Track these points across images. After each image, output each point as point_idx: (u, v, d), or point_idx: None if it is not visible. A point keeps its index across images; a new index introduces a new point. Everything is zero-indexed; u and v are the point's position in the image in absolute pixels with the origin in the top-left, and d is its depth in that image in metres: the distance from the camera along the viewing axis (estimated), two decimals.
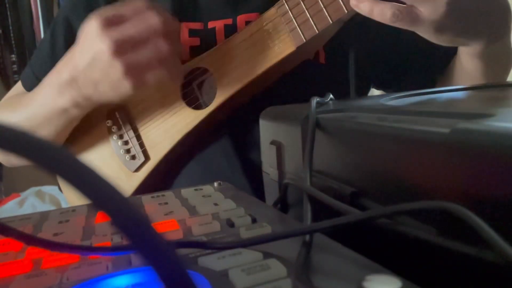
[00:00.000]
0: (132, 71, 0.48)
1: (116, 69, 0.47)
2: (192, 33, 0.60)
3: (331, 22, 0.49)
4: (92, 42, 0.48)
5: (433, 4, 0.41)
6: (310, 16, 0.50)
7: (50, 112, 0.56)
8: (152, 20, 0.47)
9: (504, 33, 0.49)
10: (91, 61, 0.48)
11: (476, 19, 0.44)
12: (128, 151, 0.60)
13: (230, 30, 0.58)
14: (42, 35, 1.98)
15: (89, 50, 0.48)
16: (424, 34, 0.45)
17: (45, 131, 0.58)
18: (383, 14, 0.42)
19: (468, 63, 0.55)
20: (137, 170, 0.60)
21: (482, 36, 0.47)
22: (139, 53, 0.47)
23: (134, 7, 0.48)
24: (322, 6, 0.49)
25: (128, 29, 0.47)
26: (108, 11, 0.48)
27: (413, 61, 0.66)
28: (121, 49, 0.47)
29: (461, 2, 0.41)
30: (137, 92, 0.50)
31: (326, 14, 0.49)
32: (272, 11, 0.53)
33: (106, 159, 0.62)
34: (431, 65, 0.65)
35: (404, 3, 0.42)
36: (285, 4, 0.52)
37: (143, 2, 0.48)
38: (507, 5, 0.47)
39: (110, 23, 0.47)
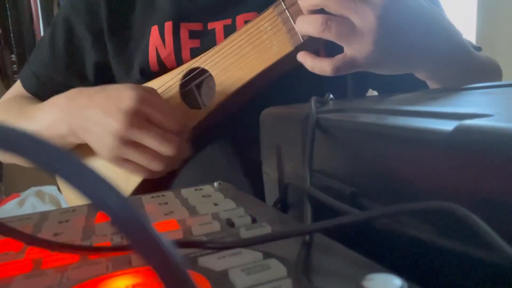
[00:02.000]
0: (118, 156, 0.51)
1: (110, 142, 0.50)
2: (192, 34, 0.60)
3: None
4: (114, 114, 0.49)
5: (359, 45, 0.43)
6: None
7: (50, 133, 0.57)
8: (179, 117, 0.52)
9: (452, 60, 0.51)
10: (101, 120, 0.50)
11: (404, 55, 0.46)
12: None
13: (230, 31, 0.58)
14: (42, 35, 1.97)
15: (106, 114, 0.50)
16: (367, 69, 0.47)
17: None
18: (324, 71, 0.46)
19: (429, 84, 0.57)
20: None
21: (420, 66, 0.50)
22: (138, 155, 0.51)
23: (170, 111, 0.52)
24: None
25: (148, 139, 0.50)
26: (152, 102, 0.51)
27: None
28: (127, 140, 0.50)
29: (385, 41, 0.43)
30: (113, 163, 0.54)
31: None
32: (269, 10, 0.53)
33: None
34: None
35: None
36: (283, 4, 0.52)
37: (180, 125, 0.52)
38: (449, 31, 0.49)
39: (139, 117, 0.49)
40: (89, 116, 0.52)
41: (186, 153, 0.54)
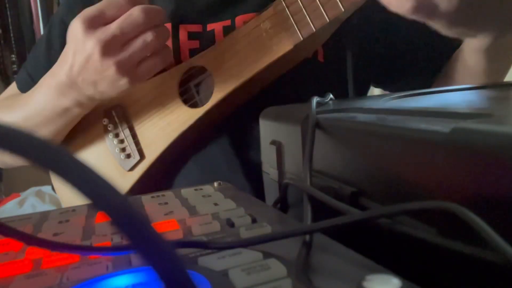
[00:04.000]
0: (125, 68, 0.49)
1: (109, 68, 0.48)
2: (191, 35, 0.60)
3: (328, 20, 0.49)
4: (81, 45, 0.48)
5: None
6: (307, 14, 0.50)
7: (51, 111, 0.56)
8: (135, 14, 0.48)
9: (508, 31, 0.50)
10: (84, 64, 0.49)
11: (488, 11, 0.44)
12: (123, 149, 0.60)
13: (229, 32, 0.58)
14: None
15: (80, 53, 0.49)
16: (436, 26, 0.44)
17: (45, 131, 0.58)
18: (401, 6, 0.42)
19: (471, 58, 0.55)
20: (131, 169, 0.60)
21: (491, 28, 0.47)
22: (128, 49, 0.48)
23: (114, 3, 0.49)
24: (319, 4, 0.49)
25: (113, 28, 0.48)
26: (90, 11, 0.49)
27: (412, 59, 0.67)
28: (109, 48, 0.48)
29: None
30: (137, 85, 0.51)
31: (323, 12, 0.49)
32: (269, 9, 0.53)
33: (101, 157, 0.62)
34: (429, 63, 0.66)
35: None
36: (282, 2, 0.52)
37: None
38: None
39: (94, 24, 0.48)
40: (80, 74, 0.50)
41: (166, 34, 0.52)
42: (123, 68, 0.48)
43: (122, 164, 0.60)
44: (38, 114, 0.57)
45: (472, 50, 0.54)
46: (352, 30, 0.61)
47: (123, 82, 0.50)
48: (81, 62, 0.49)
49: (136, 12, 0.48)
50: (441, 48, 0.55)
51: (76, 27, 0.48)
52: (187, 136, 0.58)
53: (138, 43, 0.48)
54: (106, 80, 0.50)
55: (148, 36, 0.48)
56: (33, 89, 0.59)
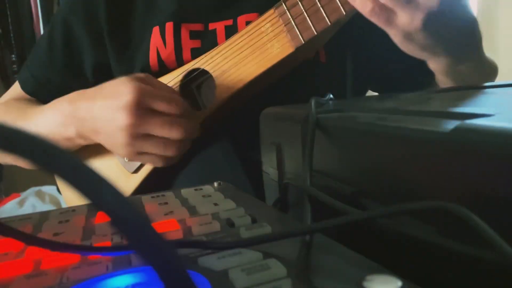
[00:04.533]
0: (133, 151, 0.52)
1: (122, 140, 0.51)
2: (193, 35, 0.60)
3: (329, 23, 0.49)
4: (119, 110, 0.49)
5: (410, 16, 0.43)
6: (309, 17, 0.50)
7: (55, 136, 0.57)
8: (178, 129, 0.51)
9: (470, 57, 0.52)
10: (105, 118, 0.51)
11: (443, 40, 0.46)
12: None
13: (231, 31, 0.58)
14: None
15: (110, 109, 0.50)
16: (393, 38, 0.46)
17: None
18: (364, 5, 0.44)
19: (437, 76, 0.56)
20: (136, 171, 0.60)
21: (446, 56, 0.49)
22: (151, 146, 0.51)
23: (170, 99, 0.51)
24: (320, 7, 0.49)
25: (156, 129, 0.50)
26: (150, 90, 0.50)
27: (411, 63, 0.66)
28: (137, 133, 0.50)
29: (434, 23, 0.43)
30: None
31: (324, 15, 0.49)
32: (270, 12, 0.53)
33: (105, 160, 0.62)
34: (426, 68, 0.66)
35: None
36: (284, 5, 0.52)
37: (182, 106, 0.52)
38: (477, 32, 0.49)
39: (142, 106, 0.49)
40: (95, 118, 0.52)
41: (195, 133, 0.54)
42: (131, 149, 0.51)
43: (126, 166, 0.60)
44: (42, 134, 0.58)
45: (434, 70, 0.55)
46: (355, 30, 0.61)
47: (120, 152, 0.53)
48: (104, 115, 0.51)
49: (179, 127, 0.51)
50: None
51: (130, 92, 0.49)
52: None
53: (163, 140, 0.51)
54: (109, 139, 0.52)
55: (171, 148, 0.52)
56: (45, 106, 0.61)
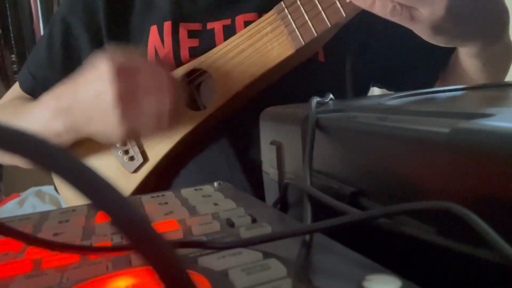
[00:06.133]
0: (128, 123, 0.48)
1: (113, 117, 0.48)
2: (191, 34, 0.60)
3: (329, 25, 0.50)
4: (101, 82, 0.48)
5: (432, 7, 0.41)
6: (309, 19, 0.51)
7: (45, 132, 0.55)
8: (162, 79, 0.49)
9: (501, 36, 0.50)
10: (93, 99, 0.49)
11: (473, 23, 0.45)
12: (126, 152, 0.60)
13: (229, 31, 0.58)
14: None
15: (95, 88, 0.49)
16: (421, 34, 0.45)
17: None
18: (383, 8, 0.43)
19: (466, 62, 0.56)
20: (135, 171, 0.60)
21: (478, 38, 0.48)
22: (140, 109, 0.48)
23: (147, 62, 0.49)
24: (320, 9, 0.50)
25: (138, 84, 0.48)
26: (124, 57, 0.49)
27: (413, 60, 0.67)
28: (125, 101, 0.48)
29: (459, 7, 0.42)
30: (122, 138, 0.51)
31: (325, 17, 0.50)
32: (271, 13, 0.53)
33: (104, 160, 0.62)
34: (430, 63, 0.66)
35: None
36: (284, 7, 0.52)
37: (156, 61, 0.50)
38: (505, 8, 0.47)
39: (122, 71, 0.48)
40: (82, 102, 0.50)
41: (183, 97, 0.52)
42: (126, 121, 0.48)
43: (126, 166, 0.60)
44: (35, 131, 0.57)
45: (465, 56, 0.54)
46: (353, 30, 0.61)
47: (117, 136, 0.50)
48: (92, 96, 0.49)
49: (163, 78, 0.49)
50: (440, 49, 0.55)
51: (104, 65, 0.48)
52: (189, 139, 0.58)
53: (152, 106, 0.48)
54: (103, 125, 0.50)
55: (164, 99, 0.49)
56: (34, 103, 0.59)
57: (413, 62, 0.67)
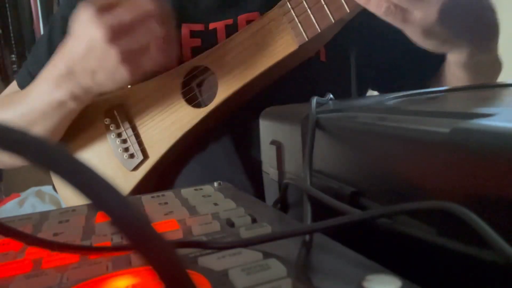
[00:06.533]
0: (128, 57, 0.48)
1: (111, 56, 0.47)
2: (193, 34, 0.60)
3: (333, 21, 0.49)
4: (86, 30, 0.47)
5: (425, 10, 0.42)
6: (312, 15, 0.50)
7: (46, 106, 0.55)
8: (144, 4, 0.47)
9: (490, 47, 0.51)
10: (86, 50, 0.48)
11: (463, 29, 0.46)
12: (126, 149, 0.60)
13: (231, 31, 0.58)
14: None
15: (83, 39, 0.48)
16: (412, 36, 0.46)
17: (41, 127, 0.57)
18: (378, 6, 0.44)
19: (454, 70, 0.56)
20: (135, 169, 0.60)
21: (467, 46, 0.49)
22: (134, 38, 0.47)
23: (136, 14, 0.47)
24: (324, 5, 0.50)
25: (121, 15, 0.47)
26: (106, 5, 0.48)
27: (408, 63, 0.67)
28: (115, 35, 0.47)
29: (451, 13, 0.43)
30: (134, 80, 0.50)
31: (328, 13, 0.49)
32: (274, 10, 0.53)
33: (104, 157, 0.61)
34: (424, 67, 0.66)
35: None
36: (287, 3, 0.52)
37: None
38: (496, 20, 0.48)
39: (102, 10, 0.47)
40: (78, 54, 0.50)
41: (171, 28, 0.51)
42: (126, 57, 0.47)
43: (125, 164, 0.60)
44: (34, 110, 0.56)
45: (453, 63, 0.55)
46: (355, 29, 0.61)
47: (123, 74, 0.49)
48: (84, 48, 0.48)
49: (145, 2, 0.47)
50: (430, 58, 0.56)
51: (84, 13, 0.47)
52: (189, 136, 0.58)
53: (144, 33, 0.47)
54: (106, 70, 0.49)
55: (155, 27, 0.47)
56: (30, 85, 0.59)
57: (407, 67, 0.67)
